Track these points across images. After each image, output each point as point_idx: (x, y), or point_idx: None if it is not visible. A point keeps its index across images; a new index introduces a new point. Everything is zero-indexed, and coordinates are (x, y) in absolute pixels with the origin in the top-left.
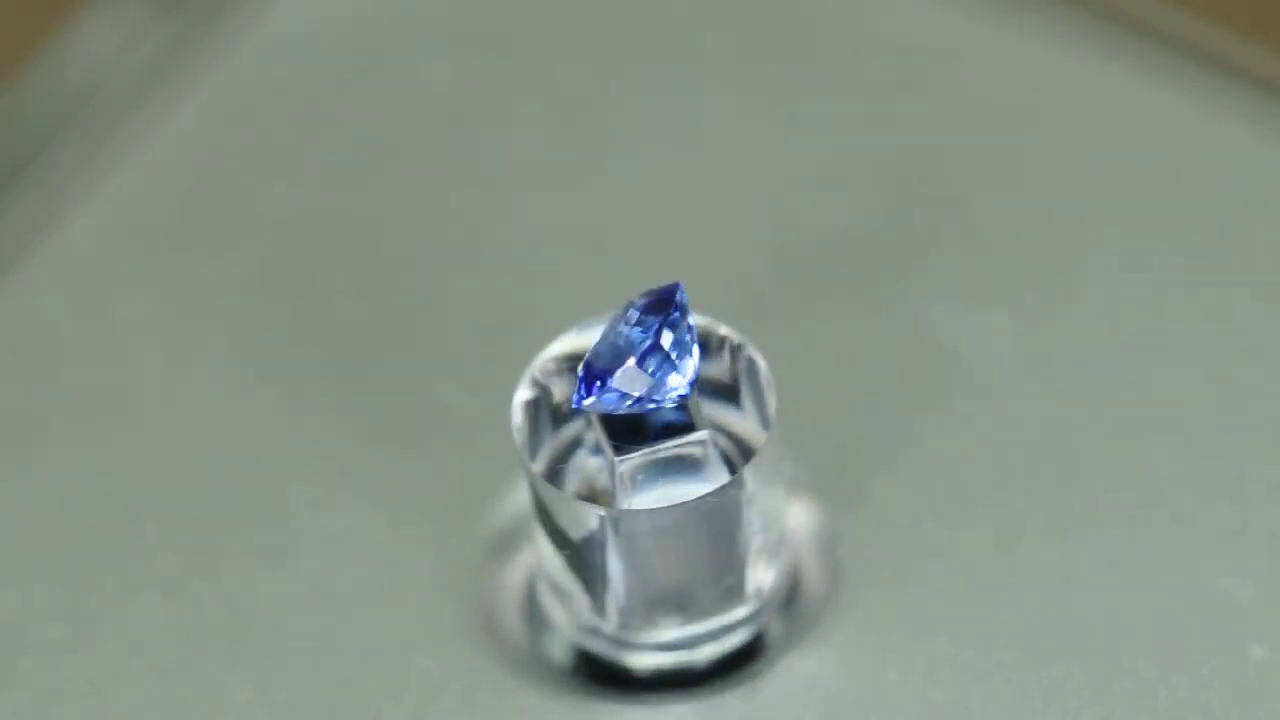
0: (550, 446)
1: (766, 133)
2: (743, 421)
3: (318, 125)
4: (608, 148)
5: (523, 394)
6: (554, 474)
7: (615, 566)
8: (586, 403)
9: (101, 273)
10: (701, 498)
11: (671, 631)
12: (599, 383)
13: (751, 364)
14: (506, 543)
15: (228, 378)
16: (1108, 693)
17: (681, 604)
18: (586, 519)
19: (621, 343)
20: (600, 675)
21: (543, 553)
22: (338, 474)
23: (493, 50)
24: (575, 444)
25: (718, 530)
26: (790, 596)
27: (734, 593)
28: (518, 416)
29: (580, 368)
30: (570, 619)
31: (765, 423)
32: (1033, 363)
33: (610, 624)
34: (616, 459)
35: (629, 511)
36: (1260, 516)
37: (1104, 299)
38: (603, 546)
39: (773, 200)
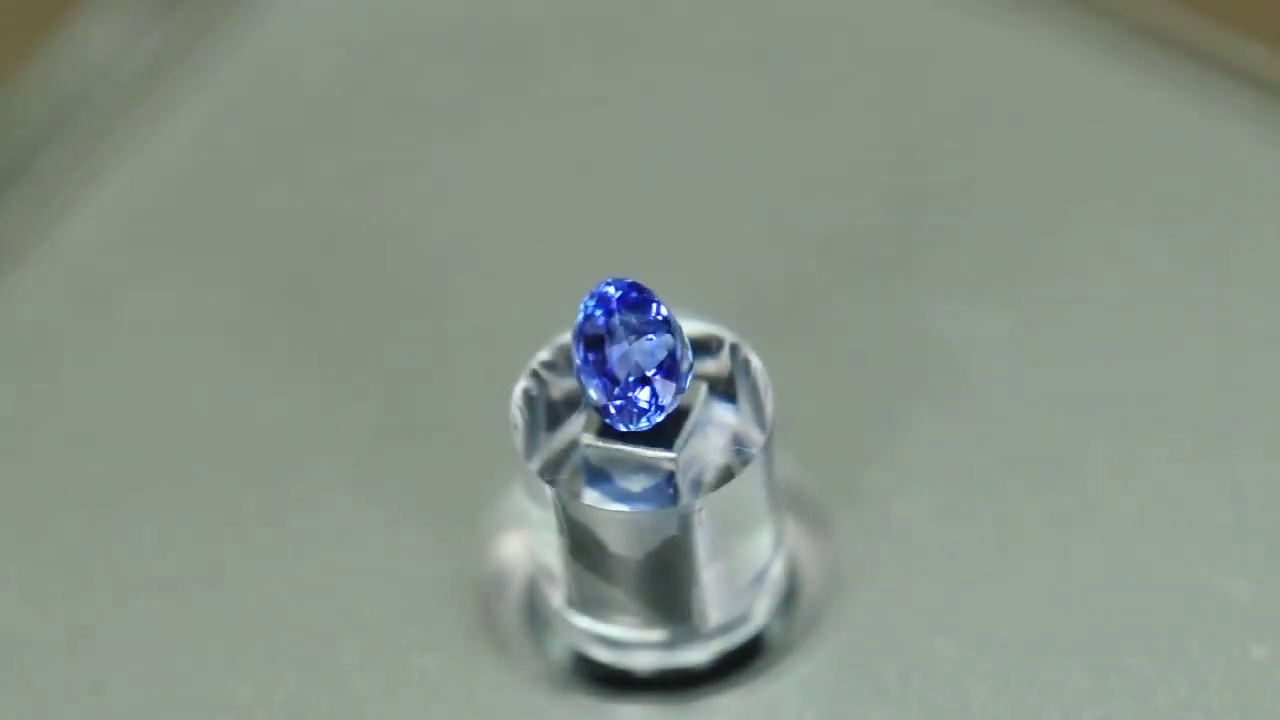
0: (547, 448)
1: (766, 132)
2: (739, 421)
3: (318, 125)
4: (607, 148)
5: (521, 392)
6: (554, 478)
7: (703, 558)
8: (646, 421)
9: (101, 273)
10: (757, 450)
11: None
12: (658, 406)
13: (748, 364)
14: (506, 542)
15: (227, 377)
16: (1108, 693)
17: (758, 572)
18: (666, 525)
19: (672, 357)
20: (600, 675)
21: (594, 589)
22: (337, 473)
23: (493, 50)
24: (571, 447)
25: (762, 485)
26: (790, 596)
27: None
28: (517, 416)
29: (644, 400)
30: (644, 641)
31: (762, 424)
32: (1032, 362)
33: (700, 622)
34: (677, 454)
35: (715, 495)
36: (1260, 516)
37: (1103, 299)
38: (688, 547)
39: (771, 199)
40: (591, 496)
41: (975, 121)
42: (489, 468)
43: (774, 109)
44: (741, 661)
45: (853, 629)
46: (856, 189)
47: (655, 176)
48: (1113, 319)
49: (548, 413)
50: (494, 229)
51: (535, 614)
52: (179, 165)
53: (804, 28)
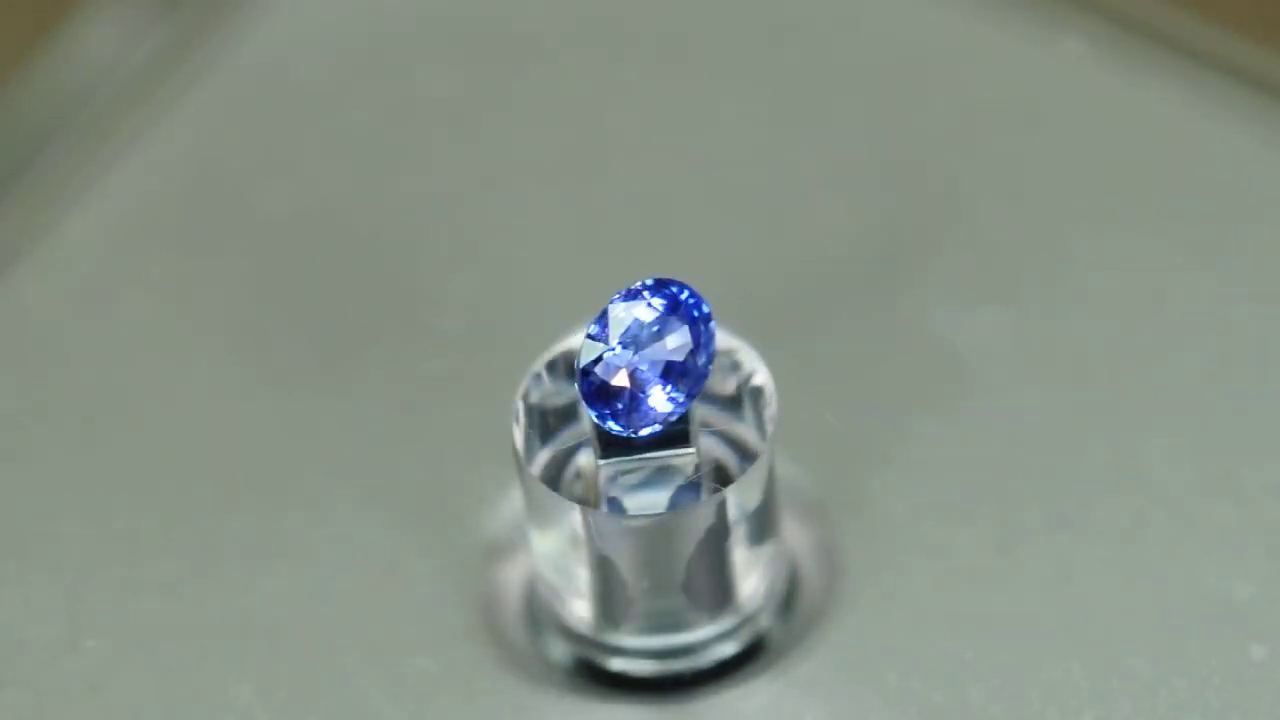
0: (549, 450)
1: (767, 134)
2: (741, 427)
3: (318, 125)
4: (608, 148)
5: (522, 395)
6: (554, 481)
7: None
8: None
9: (101, 273)
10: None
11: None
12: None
13: (751, 369)
14: (506, 543)
15: (227, 378)
16: (1108, 693)
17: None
18: (703, 518)
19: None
20: (600, 675)
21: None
22: (337, 474)
23: (493, 50)
24: (574, 449)
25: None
26: (790, 597)
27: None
28: (518, 418)
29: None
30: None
31: (762, 432)
32: (1033, 364)
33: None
34: (695, 450)
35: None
36: (1260, 516)
37: (1104, 300)
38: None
39: (773, 201)
40: (560, 468)
41: (976, 122)
42: (490, 468)
43: (776, 110)
44: (741, 661)
45: (853, 629)
46: (858, 190)
47: (657, 179)
48: (1113, 320)
49: (549, 418)
50: (495, 231)
51: (535, 614)
52: (179, 165)
53: (807, 31)
